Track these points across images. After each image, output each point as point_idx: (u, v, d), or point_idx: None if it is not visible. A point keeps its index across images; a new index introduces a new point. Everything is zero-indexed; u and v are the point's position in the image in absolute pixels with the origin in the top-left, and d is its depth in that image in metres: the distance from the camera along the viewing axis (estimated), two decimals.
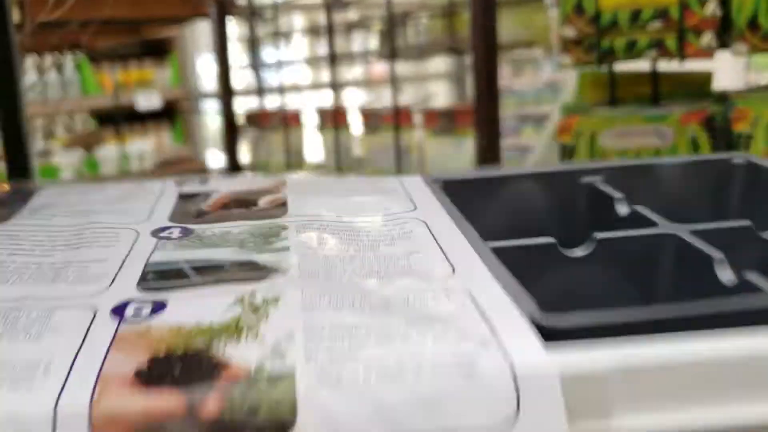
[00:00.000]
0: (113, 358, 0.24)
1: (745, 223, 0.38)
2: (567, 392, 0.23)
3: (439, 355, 0.24)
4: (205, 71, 2.67)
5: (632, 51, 0.96)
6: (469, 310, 0.27)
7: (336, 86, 1.65)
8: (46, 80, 2.26)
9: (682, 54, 0.93)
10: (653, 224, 0.38)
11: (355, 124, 1.53)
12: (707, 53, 0.92)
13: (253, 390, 0.22)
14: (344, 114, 1.56)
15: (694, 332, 0.25)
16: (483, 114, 0.93)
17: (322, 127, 1.60)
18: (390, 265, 0.32)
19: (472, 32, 0.96)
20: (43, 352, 0.24)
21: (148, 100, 2.26)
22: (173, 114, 2.63)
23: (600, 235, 0.37)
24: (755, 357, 0.24)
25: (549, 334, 0.25)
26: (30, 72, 2.20)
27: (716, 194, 0.45)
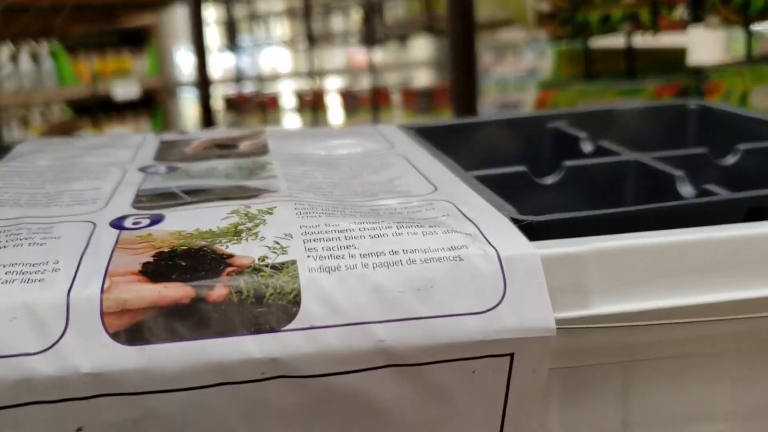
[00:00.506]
0: (119, 256, 0.25)
1: (702, 150, 0.40)
2: (548, 274, 0.25)
3: (429, 246, 0.25)
4: (184, 60, 2.64)
5: (607, 24, 0.99)
6: (454, 215, 0.28)
7: (315, 73, 1.66)
8: (20, 69, 2.21)
9: (655, 27, 0.96)
10: (617, 154, 0.40)
11: (334, 106, 1.54)
12: (680, 26, 0.95)
13: (257, 277, 0.24)
14: (322, 96, 1.57)
15: (659, 227, 0.27)
16: (460, 92, 0.94)
17: (300, 109, 1.60)
18: (375, 187, 0.33)
19: (449, 12, 0.97)
20: (50, 255, 0.25)
21: (125, 90, 2.23)
22: (152, 103, 2.60)
23: (569, 163, 0.39)
24: (716, 244, 0.27)
25: (530, 230, 0.27)
26: (4, 61, 2.15)
27: (674, 133, 0.48)
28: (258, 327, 0.23)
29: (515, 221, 0.28)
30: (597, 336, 0.26)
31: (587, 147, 0.44)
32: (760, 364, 0.29)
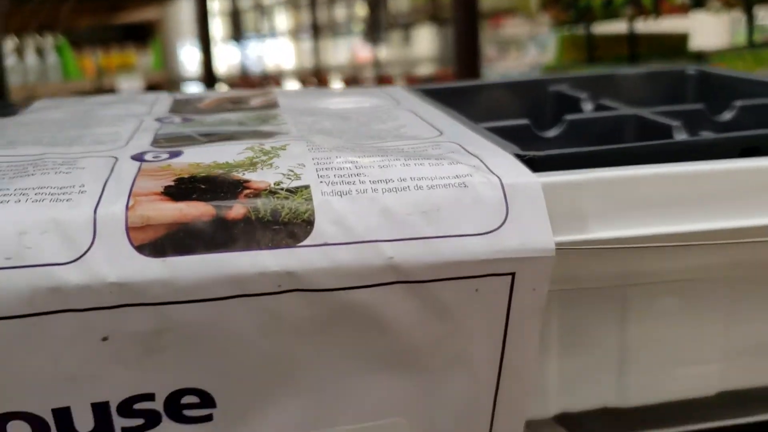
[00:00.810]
0: (141, 181, 0.26)
1: (699, 106, 0.42)
2: (549, 201, 0.26)
3: (436, 174, 0.27)
4: (188, 56, 2.66)
5: (609, 9, 1.00)
6: (458, 152, 0.30)
7: (320, 69, 1.67)
8: (25, 63, 2.23)
9: (657, 11, 0.97)
10: (616, 110, 0.42)
11: None
12: (682, 10, 0.96)
13: (273, 199, 0.25)
14: (327, 83, 1.58)
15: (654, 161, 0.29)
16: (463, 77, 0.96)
17: None
18: (382, 133, 0.35)
19: (454, 3, 0.98)
20: (75, 180, 0.26)
21: (130, 85, 2.25)
22: None
23: (569, 116, 0.40)
24: (708, 176, 0.28)
25: (531, 164, 0.28)
26: (9, 56, 2.17)
27: (673, 95, 0.49)
28: (275, 243, 0.24)
29: (518, 156, 0.29)
30: (594, 260, 0.27)
31: (588, 106, 0.45)
32: (753, 298, 0.31)
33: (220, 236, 0.24)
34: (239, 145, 0.31)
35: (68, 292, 0.23)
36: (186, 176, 0.26)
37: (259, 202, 0.25)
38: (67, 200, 0.25)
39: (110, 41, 2.47)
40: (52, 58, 2.29)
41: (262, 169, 0.27)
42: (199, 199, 0.25)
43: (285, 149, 0.30)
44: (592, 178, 0.27)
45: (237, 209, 0.25)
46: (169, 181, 0.26)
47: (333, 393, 0.27)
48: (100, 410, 0.25)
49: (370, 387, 0.27)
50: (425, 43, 2.58)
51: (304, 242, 0.24)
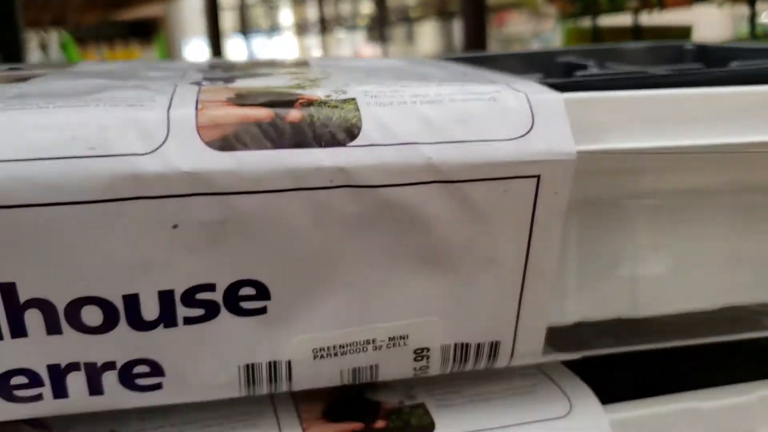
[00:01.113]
0: (204, 95, 0.29)
1: (698, 66, 0.45)
2: (570, 114, 0.29)
3: (467, 91, 0.30)
4: (192, 52, 2.70)
5: (614, 1, 1.04)
6: (485, 80, 0.33)
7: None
8: (29, 59, 2.27)
9: (661, 4, 1.01)
10: (623, 69, 0.45)
11: None
12: (686, 3, 1.00)
13: (325, 108, 0.28)
14: None
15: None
16: None
17: None
18: (410, 76, 0.38)
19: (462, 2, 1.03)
20: (144, 93, 0.29)
21: None
22: None
23: (579, 72, 0.43)
24: (709, 97, 0.31)
25: (553, 88, 0.31)
26: None
27: (672, 65, 0.52)
28: (328, 142, 0.27)
29: (540, 82, 0.32)
30: (609, 170, 0.30)
31: (595, 71, 0.49)
32: (759, 214, 0.34)
33: (281, 135, 0.27)
34: (285, 76, 0.34)
35: (145, 179, 0.26)
36: (245, 91, 0.29)
37: (313, 109, 0.28)
38: (140, 105, 0.28)
39: (115, 37, 2.51)
40: (56, 54, 2.32)
41: (311, 89, 0.30)
42: (259, 105, 0.28)
43: (328, 78, 0.33)
44: (608, 97, 0.30)
45: (294, 114, 0.28)
46: (231, 94, 0.29)
47: (374, 290, 0.30)
48: (166, 298, 0.28)
49: (407, 285, 0.30)
50: (429, 40, 2.64)
51: (354, 143, 0.27)
